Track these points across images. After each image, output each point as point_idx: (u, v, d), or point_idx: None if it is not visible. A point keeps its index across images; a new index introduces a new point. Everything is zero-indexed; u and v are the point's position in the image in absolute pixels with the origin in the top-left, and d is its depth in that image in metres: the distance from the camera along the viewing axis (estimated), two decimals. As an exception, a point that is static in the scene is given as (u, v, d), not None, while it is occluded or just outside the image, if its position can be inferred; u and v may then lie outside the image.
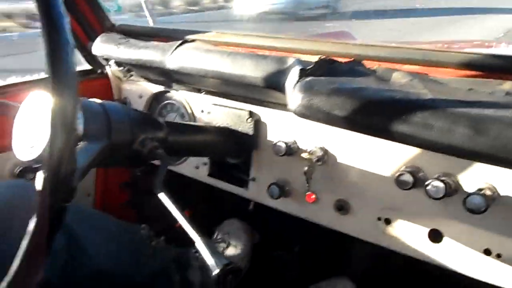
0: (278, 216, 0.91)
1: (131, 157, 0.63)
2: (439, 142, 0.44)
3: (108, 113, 0.60)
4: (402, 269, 0.82)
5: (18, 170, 0.92)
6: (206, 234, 1.19)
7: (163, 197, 0.51)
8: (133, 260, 0.91)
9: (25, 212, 0.71)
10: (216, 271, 0.40)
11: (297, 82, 0.55)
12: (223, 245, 1.14)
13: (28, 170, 0.93)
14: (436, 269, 0.67)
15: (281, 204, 0.82)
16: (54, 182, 0.37)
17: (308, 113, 0.53)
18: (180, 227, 1.22)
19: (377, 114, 0.48)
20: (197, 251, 1.12)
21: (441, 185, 0.60)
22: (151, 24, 1.14)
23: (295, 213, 0.81)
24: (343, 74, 0.56)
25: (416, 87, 0.51)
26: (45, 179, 0.37)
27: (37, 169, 0.98)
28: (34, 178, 0.95)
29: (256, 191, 0.86)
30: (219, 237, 1.18)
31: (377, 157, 0.69)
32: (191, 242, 1.17)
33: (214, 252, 0.42)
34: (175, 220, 1.34)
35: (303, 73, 0.56)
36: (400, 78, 0.54)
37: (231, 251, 1.14)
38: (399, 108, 0.46)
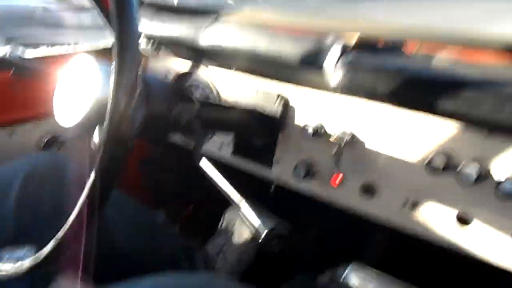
0: (294, 201, 0.92)
1: (166, 130, 0.64)
2: (488, 119, 0.45)
3: (147, 82, 0.60)
4: (424, 256, 0.83)
5: (45, 141, 0.93)
6: (215, 221, 1.21)
7: (203, 164, 0.52)
8: (147, 244, 0.93)
9: (57, 182, 0.73)
10: (262, 235, 0.41)
11: (339, 58, 0.56)
12: (225, 235, 1.15)
13: (54, 141, 0.94)
14: (461, 255, 0.67)
15: (305, 186, 0.83)
16: (114, 140, 0.38)
17: (351, 89, 0.53)
18: (192, 217, 1.23)
19: (424, 89, 0.48)
20: (203, 243, 1.13)
21: (474, 169, 0.61)
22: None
23: (320, 195, 0.81)
24: (385, 52, 0.56)
25: (461, 69, 0.52)
26: (106, 136, 0.38)
27: (63, 141, 0.99)
28: (61, 148, 0.96)
29: (280, 172, 0.86)
30: (223, 225, 1.19)
31: (407, 141, 0.69)
32: (203, 233, 1.18)
33: (260, 216, 0.43)
34: (189, 204, 1.35)
35: (345, 50, 0.56)
36: (443, 61, 0.55)
37: (236, 238, 1.15)
38: (447, 84, 0.47)
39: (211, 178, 0.50)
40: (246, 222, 0.43)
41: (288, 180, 0.85)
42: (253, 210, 0.44)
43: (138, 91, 0.59)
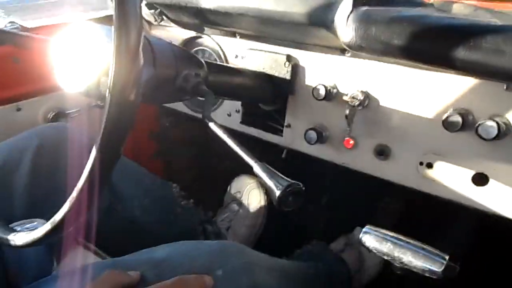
0: (306, 166, 0.91)
1: (174, 93, 0.62)
2: (511, 68, 0.42)
3: (152, 45, 0.58)
4: (441, 216, 0.81)
5: (52, 115, 0.92)
6: (221, 191, 1.19)
7: (213, 126, 0.50)
8: (163, 216, 0.93)
9: (68, 153, 0.72)
10: (277, 194, 0.40)
11: (351, 12, 0.53)
12: (234, 205, 1.15)
13: (61, 115, 0.93)
14: (479, 214, 0.66)
15: (317, 151, 0.81)
16: (119, 104, 0.36)
17: (364, 44, 0.51)
18: (205, 189, 1.23)
19: (442, 41, 0.45)
20: (213, 216, 1.13)
21: (494, 125, 0.58)
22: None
23: (332, 159, 0.80)
24: (400, 5, 0.53)
25: (482, 17, 0.49)
26: (110, 100, 0.36)
27: (69, 114, 0.98)
28: (69, 121, 0.95)
29: (292, 138, 0.85)
30: (232, 196, 1.19)
31: (423, 100, 0.67)
32: (217, 205, 1.18)
33: (273, 175, 0.41)
34: (201, 175, 1.35)
35: (357, 3, 0.53)
36: (462, 10, 0.52)
37: (244, 210, 1.15)
38: (466, 34, 0.44)
39: (223, 142, 0.49)
40: (261, 182, 0.42)
41: (300, 146, 0.83)
42: (268, 170, 0.42)
43: (142, 54, 0.57)
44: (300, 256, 0.97)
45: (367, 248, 0.54)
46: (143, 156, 1.21)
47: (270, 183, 0.41)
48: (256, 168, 0.43)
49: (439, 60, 0.46)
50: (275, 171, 0.42)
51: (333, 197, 1.08)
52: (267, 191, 0.42)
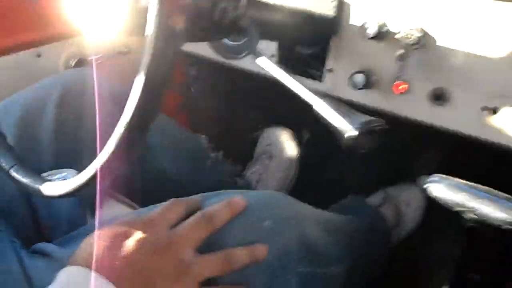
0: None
1: (210, 29, 0.56)
2: None
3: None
4: (499, 169, 0.75)
5: (74, 62, 0.86)
6: (248, 144, 1.14)
7: (263, 60, 0.44)
8: (192, 169, 0.89)
9: (95, 99, 0.67)
10: (352, 133, 0.34)
11: None
12: (265, 157, 1.10)
13: (83, 62, 0.87)
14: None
15: (363, 97, 0.74)
16: (162, 42, 0.31)
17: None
18: (234, 142, 1.18)
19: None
20: (243, 170, 1.08)
21: None
22: None
23: (380, 106, 0.73)
24: None
25: None
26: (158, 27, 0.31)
27: (92, 61, 0.92)
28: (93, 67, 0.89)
29: (334, 83, 0.77)
30: (262, 148, 1.14)
31: (490, 36, 0.59)
32: (245, 159, 1.13)
33: (346, 111, 0.35)
34: (228, 128, 1.30)
35: None
36: None
37: (275, 162, 1.10)
38: None
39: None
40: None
41: (343, 91, 0.76)
42: (336, 106, 0.36)
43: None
44: (337, 211, 0.93)
45: (434, 199, 0.48)
46: (167, 109, 1.16)
47: (341, 120, 0.34)
48: (320, 104, 0.37)
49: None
50: (346, 105, 0.36)
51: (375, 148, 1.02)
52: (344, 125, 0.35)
